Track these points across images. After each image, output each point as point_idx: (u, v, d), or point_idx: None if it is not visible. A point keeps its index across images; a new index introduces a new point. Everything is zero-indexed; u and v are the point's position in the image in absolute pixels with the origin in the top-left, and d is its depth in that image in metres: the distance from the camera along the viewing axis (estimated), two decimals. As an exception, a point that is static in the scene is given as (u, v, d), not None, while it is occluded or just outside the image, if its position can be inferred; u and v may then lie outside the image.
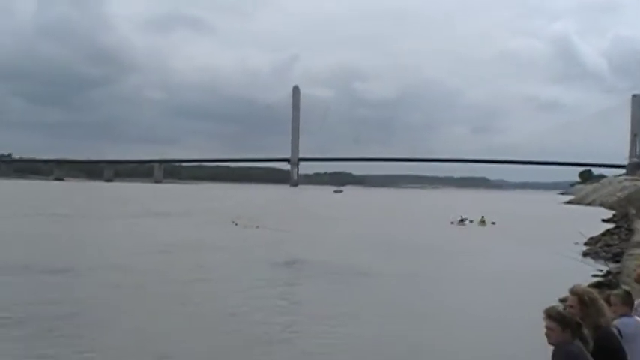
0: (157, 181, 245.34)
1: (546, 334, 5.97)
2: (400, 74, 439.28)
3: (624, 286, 11.11)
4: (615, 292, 9.01)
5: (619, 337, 7.20)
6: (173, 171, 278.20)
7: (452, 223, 54.25)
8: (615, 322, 7.96)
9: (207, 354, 12.93)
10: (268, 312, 16.85)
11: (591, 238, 36.52)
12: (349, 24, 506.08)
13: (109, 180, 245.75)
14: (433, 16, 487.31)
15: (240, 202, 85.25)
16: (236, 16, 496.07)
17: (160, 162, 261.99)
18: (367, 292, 20.83)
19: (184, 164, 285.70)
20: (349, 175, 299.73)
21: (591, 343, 6.14)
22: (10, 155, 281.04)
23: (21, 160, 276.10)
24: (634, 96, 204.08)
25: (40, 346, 12.72)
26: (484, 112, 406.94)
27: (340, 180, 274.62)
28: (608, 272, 22.45)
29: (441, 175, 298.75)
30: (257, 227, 44.88)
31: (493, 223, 53.50)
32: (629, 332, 7.96)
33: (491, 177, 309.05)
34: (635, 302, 9.28)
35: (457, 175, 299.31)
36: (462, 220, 54.32)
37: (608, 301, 8.03)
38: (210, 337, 14.05)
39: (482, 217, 55.05)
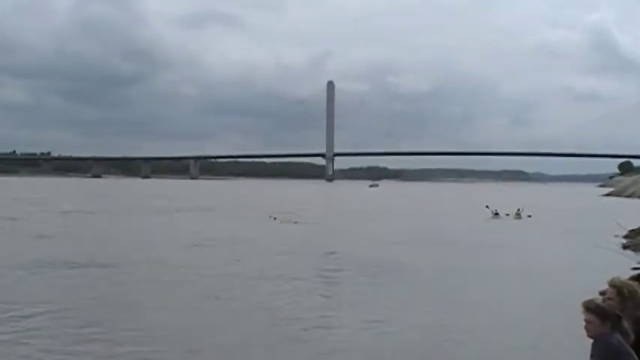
0: (193, 177, 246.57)
1: (585, 328, 5.92)
2: (434, 67, 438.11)
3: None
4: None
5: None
6: (208, 167, 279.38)
7: (488, 214, 54.04)
8: None
9: (239, 348, 12.93)
10: (305, 307, 16.86)
11: (632, 231, 36.02)
12: (383, 18, 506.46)
13: (145, 176, 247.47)
14: (467, 9, 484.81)
15: (277, 198, 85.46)
16: (269, 11, 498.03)
17: (196, 158, 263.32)
18: (402, 286, 20.79)
19: (219, 160, 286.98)
20: (384, 169, 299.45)
21: (632, 336, 6.07)
22: (49, 153, 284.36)
23: (60, 158, 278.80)
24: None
25: (80, 337, 13.00)
26: (520, 105, 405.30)
27: (376, 174, 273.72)
28: (649, 265, 22.16)
29: (478, 168, 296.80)
30: (295, 222, 44.97)
31: (529, 216, 52.91)
32: None
33: (529, 170, 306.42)
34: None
35: (494, 168, 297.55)
36: (497, 214, 53.84)
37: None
38: (242, 331, 14.09)
39: (518, 209, 54.58)
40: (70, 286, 19.45)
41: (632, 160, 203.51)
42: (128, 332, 13.66)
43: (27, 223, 40.88)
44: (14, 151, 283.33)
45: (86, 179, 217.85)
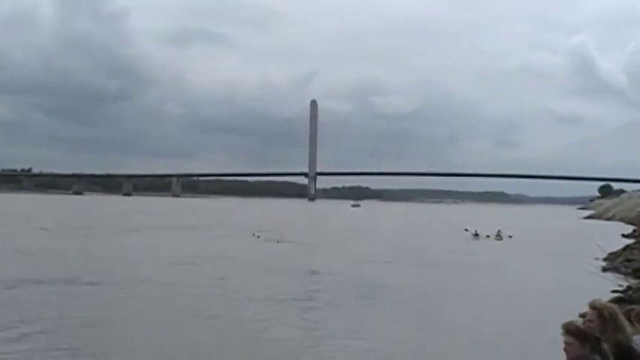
0: (175, 195, 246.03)
1: (565, 350, 5.98)
2: (419, 88, 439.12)
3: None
4: (638, 307, 9.00)
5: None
6: (191, 185, 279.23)
7: (466, 235, 54.32)
8: (636, 337, 7.95)
9: None
10: (286, 326, 16.89)
11: (611, 254, 36.25)
12: (368, 38, 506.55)
13: (127, 194, 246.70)
14: (452, 31, 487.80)
15: (259, 216, 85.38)
16: (256, 30, 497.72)
17: (178, 176, 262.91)
18: (384, 306, 20.83)
19: (202, 178, 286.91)
20: (367, 189, 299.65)
21: (611, 358, 6.12)
22: (30, 169, 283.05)
23: (41, 175, 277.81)
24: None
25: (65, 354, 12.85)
26: (503, 126, 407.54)
27: (358, 194, 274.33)
28: (629, 288, 22.30)
29: (460, 189, 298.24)
30: (278, 241, 45.08)
31: (510, 237, 53.05)
32: None
33: (510, 191, 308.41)
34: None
35: (476, 189, 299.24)
36: (477, 235, 54.19)
37: (628, 317, 8.03)
38: (224, 349, 14.05)
39: (499, 230, 54.73)
40: (55, 303, 19.37)
41: (612, 184, 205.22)
42: (112, 348, 13.61)
43: (11, 239, 40.74)
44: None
45: (67, 196, 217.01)
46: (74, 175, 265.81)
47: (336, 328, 16.96)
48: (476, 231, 54.83)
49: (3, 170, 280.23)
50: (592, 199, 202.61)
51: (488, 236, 53.40)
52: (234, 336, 15.59)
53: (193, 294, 21.80)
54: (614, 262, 33.00)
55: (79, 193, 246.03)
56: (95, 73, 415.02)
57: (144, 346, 14.29)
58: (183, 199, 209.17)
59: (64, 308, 18.48)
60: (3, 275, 24.35)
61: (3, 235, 43.62)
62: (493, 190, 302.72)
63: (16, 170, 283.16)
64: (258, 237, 47.23)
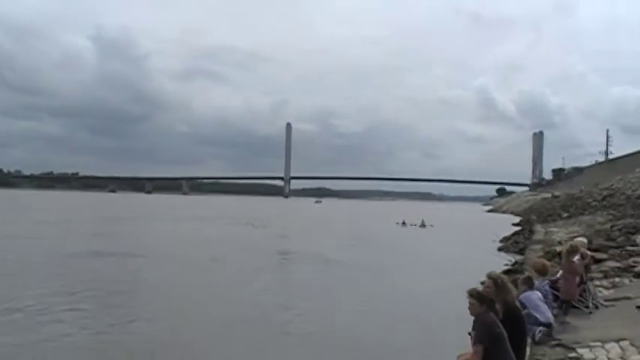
0: (185, 193, 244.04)
1: (469, 308, 6.10)
2: (366, 113, 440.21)
3: (526, 272, 11.30)
4: (521, 276, 9.29)
5: (522, 307, 7.50)
6: (196, 186, 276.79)
7: (397, 224, 54.95)
8: (520, 296, 8.21)
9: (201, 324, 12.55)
10: (264, 293, 16.71)
11: (504, 238, 36.63)
12: (327, 75, 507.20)
13: (148, 192, 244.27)
14: (390, 71, 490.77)
15: (249, 210, 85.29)
16: (243, 69, 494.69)
17: (187, 179, 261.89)
18: (334, 274, 20.84)
19: (205, 180, 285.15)
20: (328, 189, 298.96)
21: (501, 314, 6.30)
22: (77, 173, 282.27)
23: (84, 177, 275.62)
24: (534, 134, 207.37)
25: (91, 315, 12.67)
26: (428, 143, 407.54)
27: (321, 193, 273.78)
28: (516, 262, 22.52)
29: (398, 190, 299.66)
30: (265, 227, 45.93)
31: (432, 226, 53.10)
32: (532, 301, 8.37)
33: (435, 191, 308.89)
34: (536, 282, 9.54)
35: (410, 190, 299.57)
36: (404, 223, 54.78)
37: (515, 283, 8.24)
38: (208, 314, 13.84)
39: (423, 220, 54.92)
40: (100, 271, 19.39)
41: (506, 186, 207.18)
42: (127, 313, 13.48)
43: (79, 225, 40.60)
44: (52, 172, 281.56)
45: (104, 193, 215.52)
46: (109, 178, 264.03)
47: (298, 293, 16.95)
48: (403, 221, 55.59)
49: (57, 173, 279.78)
50: (492, 198, 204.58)
51: (415, 225, 53.73)
52: (216, 301, 15.43)
53: (192, 267, 21.54)
54: (506, 244, 33.30)
55: (113, 191, 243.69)
56: (124, 101, 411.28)
57: (148, 303, 14.18)
58: (190, 197, 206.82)
59: (96, 275, 18.30)
60: (67, 250, 24.41)
61: (69, 222, 43.61)
62: (422, 191, 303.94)
63: (66, 173, 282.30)
64: (253, 225, 47.65)
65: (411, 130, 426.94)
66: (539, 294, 9.22)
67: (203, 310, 13.73)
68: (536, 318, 8.71)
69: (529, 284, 9.22)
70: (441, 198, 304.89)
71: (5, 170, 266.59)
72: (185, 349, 10.32)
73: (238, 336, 11.36)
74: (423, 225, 53.48)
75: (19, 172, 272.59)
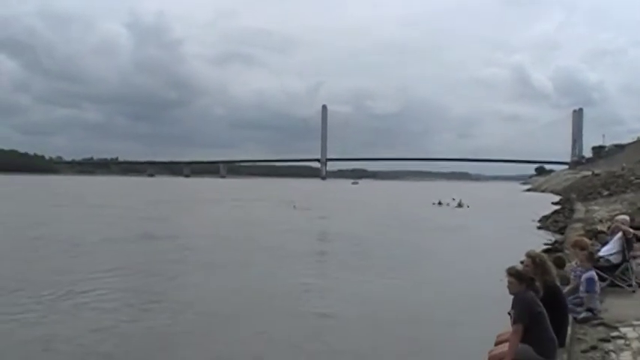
0: (222, 177, 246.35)
1: (508, 287, 6.06)
2: (401, 94, 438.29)
3: (566, 251, 11.15)
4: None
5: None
6: (233, 169, 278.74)
7: (433, 204, 54.96)
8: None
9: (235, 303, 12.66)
10: (301, 272, 16.81)
11: (544, 217, 36.20)
12: (361, 56, 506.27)
13: (187, 176, 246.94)
14: (424, 50, 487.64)
15: (289, 192, 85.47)
16: (279, 52, 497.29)
17: (224, 162, 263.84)
18: (372, 252, 20.87)
19: (242, 164, 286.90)
20: (364, 170, 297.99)
21: (541, 293, 6.24)
22: (116, 158, 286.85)
23: (124, 162, 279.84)
24: (574, 111, 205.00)
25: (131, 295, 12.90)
26: (464, 123, 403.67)
27: (357, 174, 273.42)
28: (556, 241, 22.26)
29: (434, 170, 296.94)
30: (308, 209, 46.46)
31: (468, 206, 52.24)
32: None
33: (472, 171, 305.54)
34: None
35: (446, 170, 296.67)
36: (440, 203, 54.87)
37: (555, 262, 8.14)
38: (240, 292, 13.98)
39: (460, 200, 54.72)
40: (147, 252, 19.94)
41: (545, 165, 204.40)
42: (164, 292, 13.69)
43: (130, 210, 41.26)
44: (92, 157, 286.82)
45: (143, 178, 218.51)
46: (148, 162, 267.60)
47: (334, 272, 16.95)
48: (439, 201, 55.74)
49: (97, 159, 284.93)
50: (530, 177, 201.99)
51: (448, 204, 53.56)
52: (250, 279, 15.54)
53: (231, 248, 21.85)
54: (546, 223, 32.93)
55: (151, 175, 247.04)
56: (160, 86, 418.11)
57: (191, 285, 14.25)
58: (228, 180, 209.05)
59: (153, 256, 18.72)
60: (121, 234, 25.01)
61: (115, 207, 44.61)
62: (459, 171, 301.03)
63: (106, 159, 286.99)
64: (294, 207, 48.00)
65: (447, 109, 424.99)
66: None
67: (247, 291, 13.83)
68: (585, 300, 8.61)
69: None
70: (477, 178, 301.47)
71: (47, 157, 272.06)
72: (233, 325, 10.47)
73: (281, 313, 11.48)
74: (460, 205, 53.04)
75: (60, 158, 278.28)
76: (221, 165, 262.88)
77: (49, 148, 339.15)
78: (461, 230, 31.52)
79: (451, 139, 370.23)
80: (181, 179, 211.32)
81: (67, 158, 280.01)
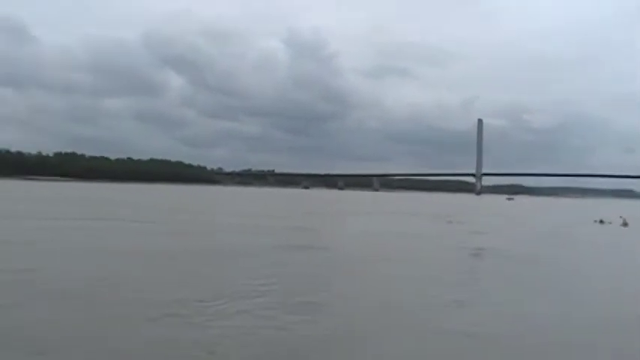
0: (375, 190, 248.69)
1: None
2: (559, 108, 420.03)
3: None
4: None
5: None
6: (386, 182, 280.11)
7: (595, 221, 51.65)
8: None
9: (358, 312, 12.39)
10: (451, 287, 16.39)
11: None
12: (515, 71, 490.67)
13: (341, 188, 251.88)
14: (580, 63, 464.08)
15: (442, 207, 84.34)
16: (433, 65, 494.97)
17: (377, 175, 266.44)
18: (529, 274, 19.95)
19: (395, 177, 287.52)
20: (520, 186, 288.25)
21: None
22: (273, 170, 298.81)
23: (280, 174, 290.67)
24: None
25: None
26: (629, 136, 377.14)
27: (513, 190, 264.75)
28: None
29: (594, 186, 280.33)
30: (461, 223, 45.46)
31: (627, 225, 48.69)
32: None
33: (637, 188, 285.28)
34: None
35: (607, 186, 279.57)
36: (602, 221, 51.22)
37: None
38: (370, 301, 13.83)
39: (625, 219, 51.14)
40: (290, 263, 19.44)
41: None
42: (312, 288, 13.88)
43: (285, 220, 42.38)
44: (250, 169, 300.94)
45: (299, 190, 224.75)
46: (303, 175, 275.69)
47: (480, 288, 16.37)
48: (601, 219, 52.28)
49: (255, 171, 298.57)
50: None
51: (610, 223, 50.12)
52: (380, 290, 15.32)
53: (365, 260, 21.57)
54: None
55: (307, 187, 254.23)
56: (315, 100, 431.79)
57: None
58: (381, 193, 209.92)
59: (298, 268, 18.73)
60: (270, 243, 24.96)
61: (276, 217, 45.91)
62: (622, 188, 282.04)
63: (263, 171, 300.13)
64: (450, 222, 46.75)
65: (609, 123, 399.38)
66: None
67: (396, 305, 13.75)
68: None
69: None
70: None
71: (209, 168, 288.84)
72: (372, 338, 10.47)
73: (422, 329, 11.31)
74: (625, 224, 49.45)
75: (220, 169, 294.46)
76: (374, 178, 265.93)
77: (210, 160, 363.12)
78: (624, 251, 29.37)
79: (614, 154, 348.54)
80: (336, 191, 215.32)
81: (227, 169, 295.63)
